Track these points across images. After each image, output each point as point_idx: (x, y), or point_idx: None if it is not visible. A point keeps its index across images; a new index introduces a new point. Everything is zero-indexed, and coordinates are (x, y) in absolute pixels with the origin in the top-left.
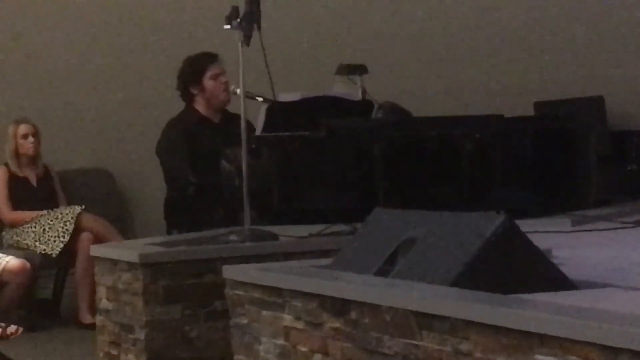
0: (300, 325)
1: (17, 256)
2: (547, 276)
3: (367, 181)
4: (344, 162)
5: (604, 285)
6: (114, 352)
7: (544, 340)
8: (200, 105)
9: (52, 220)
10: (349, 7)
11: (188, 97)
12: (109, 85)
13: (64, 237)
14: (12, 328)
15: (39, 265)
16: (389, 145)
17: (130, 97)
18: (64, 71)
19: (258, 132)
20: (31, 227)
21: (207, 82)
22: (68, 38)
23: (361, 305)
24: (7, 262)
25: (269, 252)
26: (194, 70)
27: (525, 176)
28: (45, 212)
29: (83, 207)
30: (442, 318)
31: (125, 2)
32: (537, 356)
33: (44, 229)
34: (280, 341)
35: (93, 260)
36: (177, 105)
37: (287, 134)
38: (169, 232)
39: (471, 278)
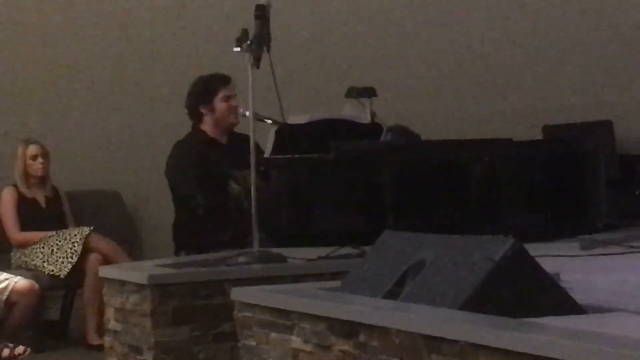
0: (308, 347)
1: (26, 277)
2: (556, 300)
3: (376, 204)
4: (353, 184)
5: (613, 310)
6: None
7: None
8: (208, 126)
9: (60, 241)
10: (358, 30)
11: (196, 116)
12: (118, 106)
13: (72, 258)
14: (20, 349)
15: (47, 285)
16: (397, 168)
17: (139, 119)
18: (73, 92)
19: (267, 155)
20: (40, 248)
21: (218, 104)
22: (77, 59)
23: (370, 328)
24: (16, 282)
25: (278, 274)
26: (206, 90)
27: (534, 200)
28: (53, 233)
29: (92, 228)
30: (451, 341)
31: (135, 24)
32: None
33: (53, 250)
34: None
35: (101, 281)
36: (186, 127)
37: (296, 156)
38: (177, 254)
39: (480, 301)
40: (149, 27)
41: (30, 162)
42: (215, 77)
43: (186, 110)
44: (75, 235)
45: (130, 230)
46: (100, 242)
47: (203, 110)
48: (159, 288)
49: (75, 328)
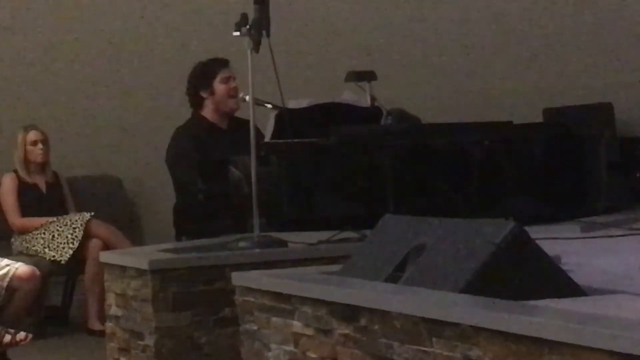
0: (309, 331)
1: (27, 263)
2: (557, 283)
3: (377, 188)
4: (353, 169)
5: (614, 292)
6: (124, 358)
7: (553, 347)
8: (208, 111)
9: (61, 227)
10: (357, 14)
11: (197, 102)
12: (118, 92)
13: (73, 243)
14: (21, 335)
15: (48, 271)
16: (398, 152)
17: (139, 104)
18: (73, 79)
19: (267, 139)
20: (40, 234)
21: (218, 86)
22: (77, 46)
23: (371, 311)
24: (17, 268)
25: (278, 258)
26: (205, 74)
27: (534, 183)
28: (54, 218)
29: (92, 213)
30: (452, 325)
31: (136, 11)
32: None
33: (53, 236)
34: (290, 348)
35: (102, 266)
36: (186, 113)
37: (296, 140)
38: (178, 239)
39: (481, 285)
40: (150, 15)
41: (30, 148)
42: (213, 60)
43: (187, 97)
44: (76, 220)
45: (130, 216)
46: (101, 228)
47: (203, 95)
48: (160, 273)
49: (76, 314)
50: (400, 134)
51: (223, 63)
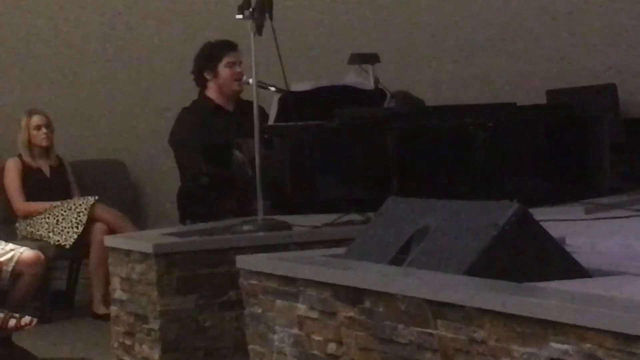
0: (314, 314)
1: (31, 247)
2: (561, 264)
3: (380, 170)
4: (357, 151)
5: (618, 273)
6: (129, 342)
7: (558, 328)
8: (212, 92)
9: (65, 211)
10: None
11: (201, 82)
12: (122, 75)
13: (77, 228)
14: (26, 319)
15: (52, 256)
16: (401, 135)
17: (143, 88)
18: (76, 62)
19: (271, 122)
20: (45, 218)
21: (222, 70)
22: (80, 28)
23: (375, 294)
24: (21, 253)
25: (283, 241)
26: (211, 55)
27: (538, 164)
28: (58, 203)
29: (96, 198)
30: (457, 307)
31: None
32: (552, 344)
33: (58, 220)
34: (295, 330)
35: (107, 251)
36: (190, 95)
37: (299, 123)
38: (182, 223)
39: (485, 267)
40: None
41: (34, 132)
42: (221, 43)
43: (192, 76)
44: (80, 205)
45: (134, 200)
46: (105, 212)
47: (207, 76)
48: (164, 257)
49: (81, 298)
50: (403, 117)
51: (231, 47)
